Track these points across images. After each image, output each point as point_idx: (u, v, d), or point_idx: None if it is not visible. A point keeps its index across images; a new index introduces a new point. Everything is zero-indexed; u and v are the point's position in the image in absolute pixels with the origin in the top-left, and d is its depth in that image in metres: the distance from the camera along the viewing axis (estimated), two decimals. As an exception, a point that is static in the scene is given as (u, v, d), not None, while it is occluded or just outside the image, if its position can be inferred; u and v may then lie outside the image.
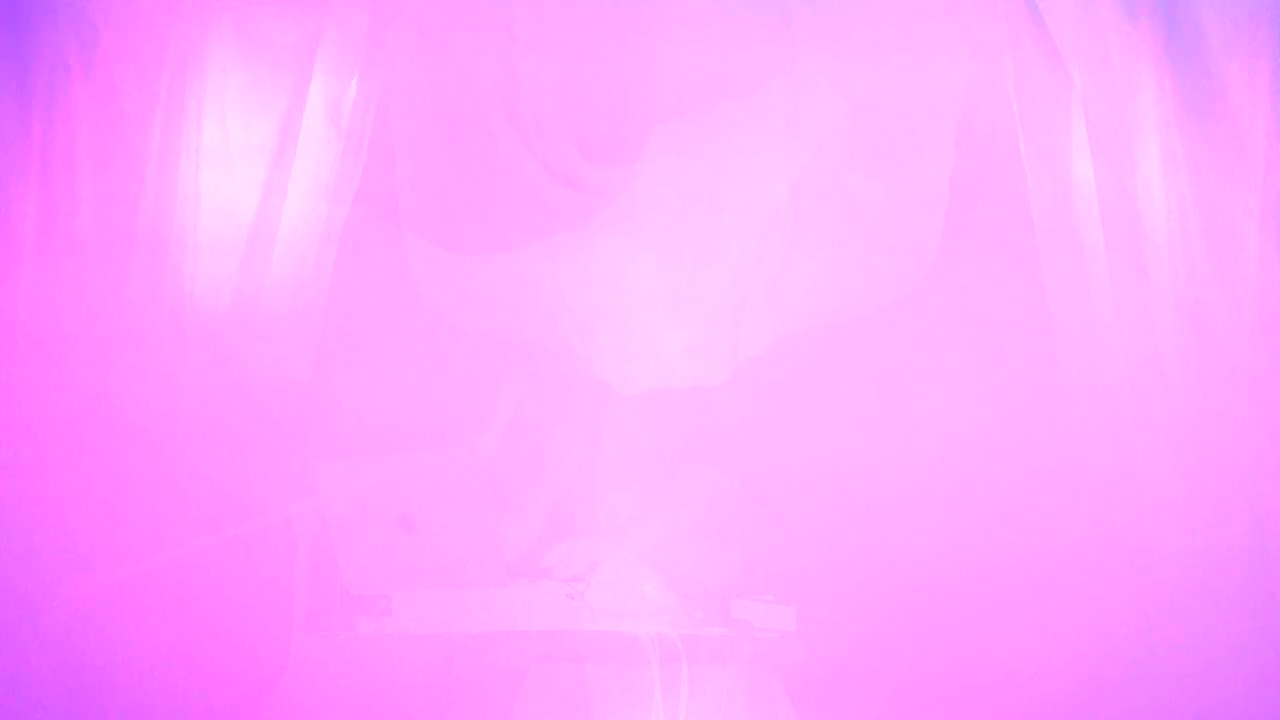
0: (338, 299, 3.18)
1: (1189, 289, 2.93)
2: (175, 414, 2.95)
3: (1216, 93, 2.93)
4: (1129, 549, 2.95)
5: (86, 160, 2.94)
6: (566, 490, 3.40)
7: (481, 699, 3.03)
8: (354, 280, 3.25)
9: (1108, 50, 2.96)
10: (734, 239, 3.35)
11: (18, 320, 2.91)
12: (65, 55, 2.94)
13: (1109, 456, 2.97)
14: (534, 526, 3.37)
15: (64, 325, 2.93)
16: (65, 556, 2.88)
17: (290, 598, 3.08)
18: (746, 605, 3.21)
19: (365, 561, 3.14)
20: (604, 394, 3.40)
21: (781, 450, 3.32)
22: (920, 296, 3.31)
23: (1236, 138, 2.92)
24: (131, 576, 2.92)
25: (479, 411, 3.38)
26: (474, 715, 3.02)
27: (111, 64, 2.94)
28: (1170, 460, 2.92)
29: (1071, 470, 3.03)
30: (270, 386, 3.03)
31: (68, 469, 2.90)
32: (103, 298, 2.94)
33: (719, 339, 3.36)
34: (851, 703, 3.09)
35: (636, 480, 3.39)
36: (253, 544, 3.04)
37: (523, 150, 3.24)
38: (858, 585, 3.19)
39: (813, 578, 3.22)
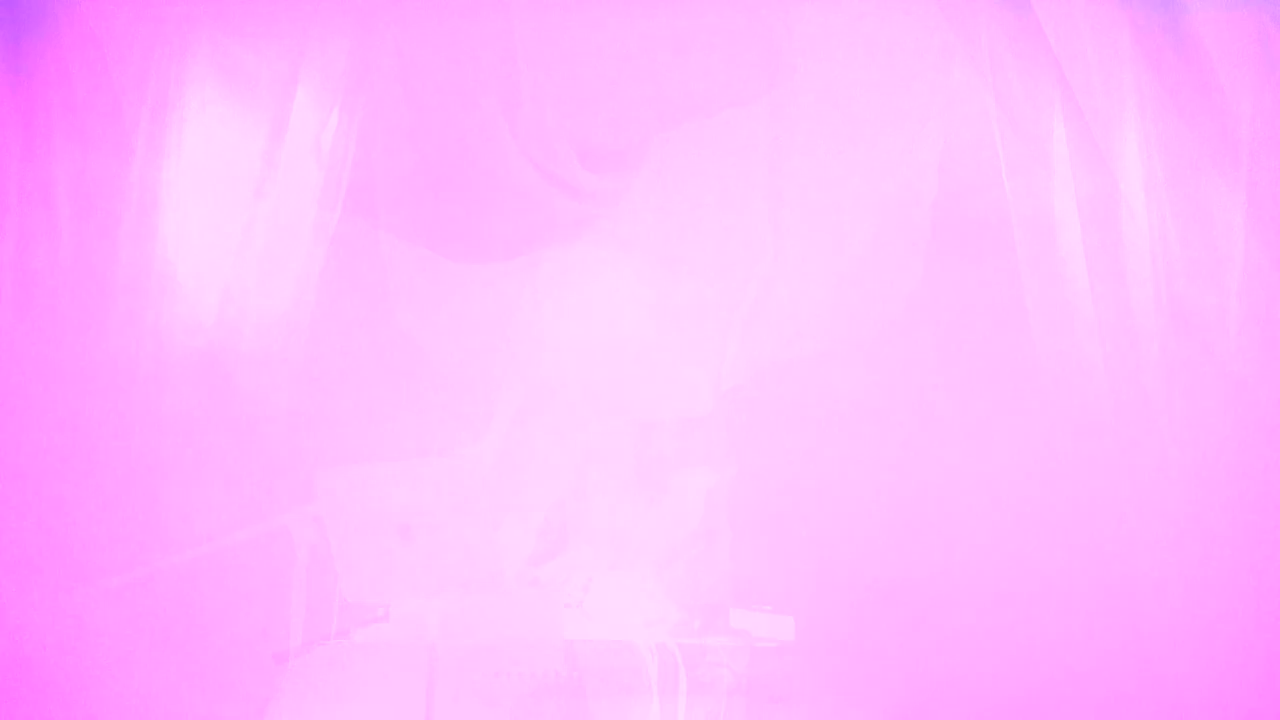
0: (335, 310, 3.17)
1: (1171, 291, 2.90)
2: (169, 425, 2.95)
3: (1201, 90, 2.90)
4: (1117, 554, 2.95)
5: (65, 191, 2.93)
6: (563, 501, 3.39)
7: (479, 709, 3.03)
8: (350, 291, 3.24)
9: (1088, 50, 2.93)
10: (735, 249, 3.36)
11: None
12: (45, 89, 2.91)
13: (1094, 465, 2.96)
14: (532, 536, 3.37)
15: (59, 331, 2.93)
16: (60, 568, 2.87)
17: (288, 606, 3.08)
18: (745, 615, 3.21)
19: (363, 570, 3.14)
20: (602, 401, 3.40)
21: (778, 461, 3.33)
22: (908, 310, 3.31)
23: (1222, 137, 2.89)
24: (128, 585, 2.92)
25: (476, 423, 3.38)
26: (471, 726, 3.03)
27: (90, 96, 2.92)
28: (1156, 465, 2.91)
29: (1059, 479, 3.03)
30: (265, 397, 3.03)
31: (61, 478, 2.89)
32: (95, 312, 2.93)
33: (715, 352, 3.37)
34: (850, 711, 3.09)
35: (633, 490, 3.38)
36: (250, 553, 3.04)
37: (521, 158, 3.23)
38: (854, 595, 3.20)
39: (810, 587, 3.22)
